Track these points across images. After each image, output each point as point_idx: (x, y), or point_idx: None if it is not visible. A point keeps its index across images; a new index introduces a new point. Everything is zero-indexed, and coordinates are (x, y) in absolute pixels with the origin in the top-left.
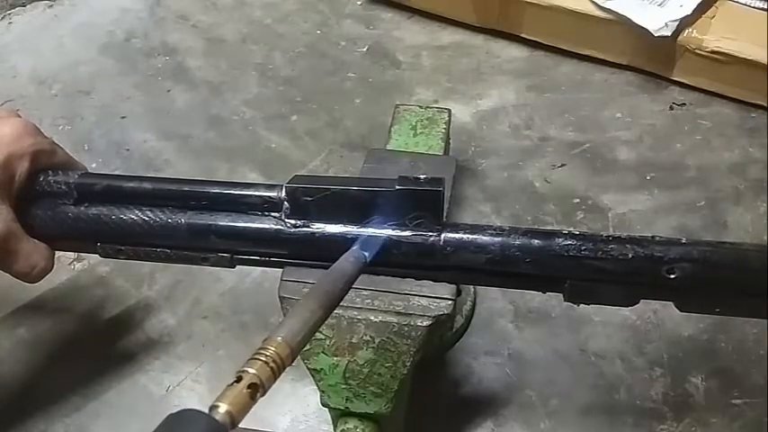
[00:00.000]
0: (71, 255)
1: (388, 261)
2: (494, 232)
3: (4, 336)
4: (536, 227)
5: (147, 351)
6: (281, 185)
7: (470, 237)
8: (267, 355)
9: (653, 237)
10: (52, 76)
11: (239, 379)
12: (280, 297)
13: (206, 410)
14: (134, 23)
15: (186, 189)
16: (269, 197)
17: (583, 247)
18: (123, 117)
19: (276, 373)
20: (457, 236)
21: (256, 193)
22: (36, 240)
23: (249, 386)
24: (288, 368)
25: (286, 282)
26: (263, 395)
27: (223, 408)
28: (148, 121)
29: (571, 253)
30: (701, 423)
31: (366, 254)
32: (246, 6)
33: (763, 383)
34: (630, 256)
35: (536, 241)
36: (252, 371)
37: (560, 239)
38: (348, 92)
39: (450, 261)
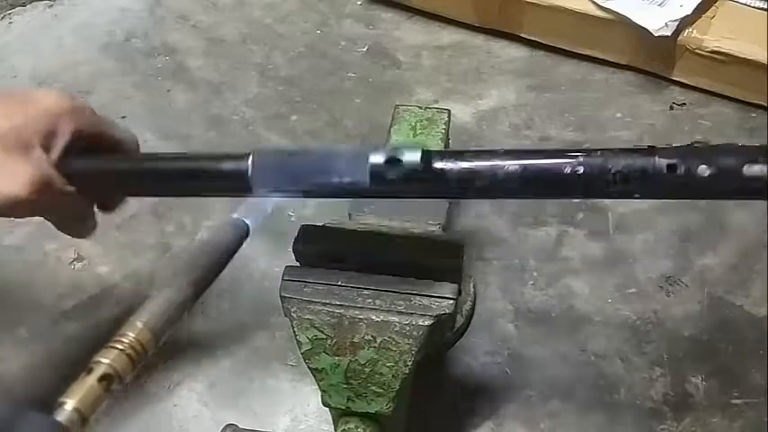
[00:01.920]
0: (71, 255)
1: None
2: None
3: (5, 336)
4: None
5: None
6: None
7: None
8: (125, 343)
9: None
10: (52, 76)
11: (90, 371)
12: (280, 297)
13: (200, 411)
14: (134, 23)
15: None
16: None
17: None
18: (123, 117)
19: (136, 361)
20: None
21: None
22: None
23: (102, 378)
24: (287, 368)
25: (287, 281)
26: (121, 385)
27: (70, 405)
28: (149, 120)
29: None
30: (700, 423)
31: (248, 222)
32: (246, 6)
33: (763, 383)
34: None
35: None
36: (105, 361)
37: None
38: (348, 92)
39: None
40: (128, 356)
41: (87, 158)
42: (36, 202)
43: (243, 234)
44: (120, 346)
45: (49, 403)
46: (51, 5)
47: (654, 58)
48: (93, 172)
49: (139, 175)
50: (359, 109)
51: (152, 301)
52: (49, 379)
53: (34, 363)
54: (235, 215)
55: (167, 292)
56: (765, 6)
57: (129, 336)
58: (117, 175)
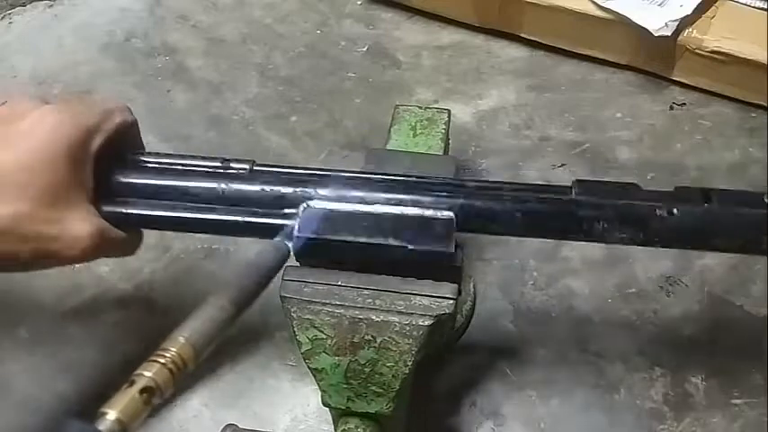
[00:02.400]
0: None
1: None
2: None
3: (4, 336)
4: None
5: (149, 351)
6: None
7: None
8: (166, 357)
9: None
10: (52, 76)
11: (132, 383)
12: (281, 297)
13: (200, 411)
14: (134, 23)
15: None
16: None
17: None
18: None
19: (176, 376)
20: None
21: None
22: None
23: (143, 390)
24: (287, 368)
25: (287, 281)
26: (160, 400)
27: (112, 415)
28: (149, 121)
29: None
30: (700, 423)
31: (289, 245)
32: (246, 6)
33: (763, 383)
34: None
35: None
36: (147, 374)
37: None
38: (348, 92)
39: None
40: (169, 371)
41: (129, 206)
42: (94, 256)
43: (283, 257)
44: (161, 360)
45: (48, 403)
46: (51, 5)
47: (654, 58)
48: (138, 220)
49: (188, 225)
50: (359, 109)
51: (194, 317)
52: (49, 380)
53: (34, 363)
54: (277, 237)
55: (210, 310)
56: (765, 6)
57: (171, 350)
58: (166, 224)
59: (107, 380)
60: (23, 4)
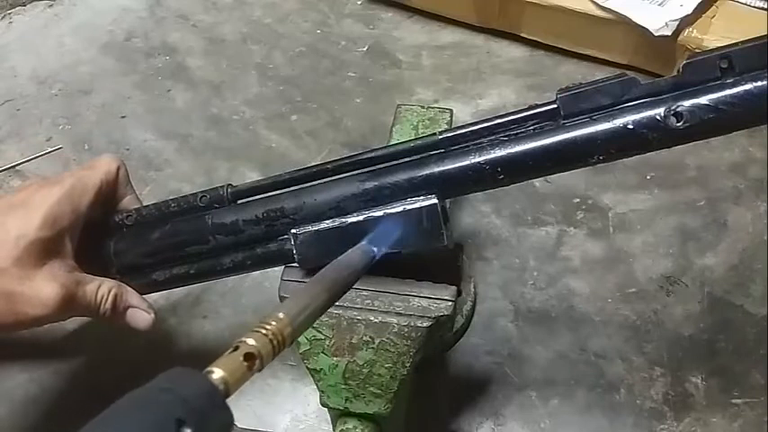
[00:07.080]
0: None
1: None
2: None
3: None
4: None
5: (148, 351)
6: None
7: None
8: (267, 329)
9: None
10: (52, 76)
11: (236, 348)
12: (280, 297)
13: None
14: (134, 23)
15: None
16: None
17: None
18: (123, 116)
19: (276, 349)
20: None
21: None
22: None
23: (246, 356)
24: (287, 368)
25: (286, 282)
26: (260, 369)
27: (218, 373)
28: (148, 120)
29: None
30: (701, 423)
31: (375, 249)
32: (246, 6)
33: (763, 383)
34: None
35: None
36: (251, 341)
37: None
38: (348, 91)
39: None
40: (270, 341)
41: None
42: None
43: (369, 259)
44: (263, 331)
45: (47, 403)
46: (51, 5)
47: (654, 58)
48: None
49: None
50: (359, 108)
51: (293, 299)
52: (49, 380)
53: (34, 363)
54: (364, 241)
55: (306, 294)
56: (765, 6)
57: (272, 323)
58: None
59: (108, 378)
60: (23, 4)
